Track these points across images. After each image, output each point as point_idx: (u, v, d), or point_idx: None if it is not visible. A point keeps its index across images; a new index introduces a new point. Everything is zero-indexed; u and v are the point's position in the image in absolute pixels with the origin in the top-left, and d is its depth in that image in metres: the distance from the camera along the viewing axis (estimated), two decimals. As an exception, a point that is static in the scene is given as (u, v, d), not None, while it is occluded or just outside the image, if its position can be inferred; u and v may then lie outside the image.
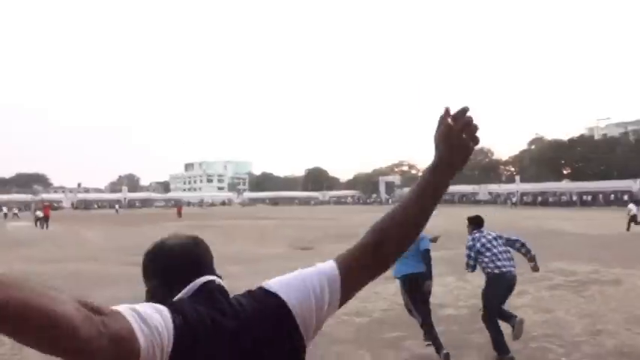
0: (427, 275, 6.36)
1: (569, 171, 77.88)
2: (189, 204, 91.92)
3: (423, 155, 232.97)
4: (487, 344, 6.41)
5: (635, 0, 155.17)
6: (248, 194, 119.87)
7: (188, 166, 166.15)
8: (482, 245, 6.17)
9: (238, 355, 1.30)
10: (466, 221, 6.68)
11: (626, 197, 57.25)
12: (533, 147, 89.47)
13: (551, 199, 67.04)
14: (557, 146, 77.85)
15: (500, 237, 6.37)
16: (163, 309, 1.19)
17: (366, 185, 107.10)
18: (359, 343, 6.71)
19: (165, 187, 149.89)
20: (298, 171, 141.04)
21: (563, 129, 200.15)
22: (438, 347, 5.94)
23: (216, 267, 1.49)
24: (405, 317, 8.18)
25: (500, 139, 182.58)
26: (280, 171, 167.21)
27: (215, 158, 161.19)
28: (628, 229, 23.57)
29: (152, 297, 1.38)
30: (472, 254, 6.20)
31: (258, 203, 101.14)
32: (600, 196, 61.55)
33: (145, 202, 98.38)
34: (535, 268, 6.42)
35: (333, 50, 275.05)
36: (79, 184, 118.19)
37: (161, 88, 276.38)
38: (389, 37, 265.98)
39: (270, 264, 14.62)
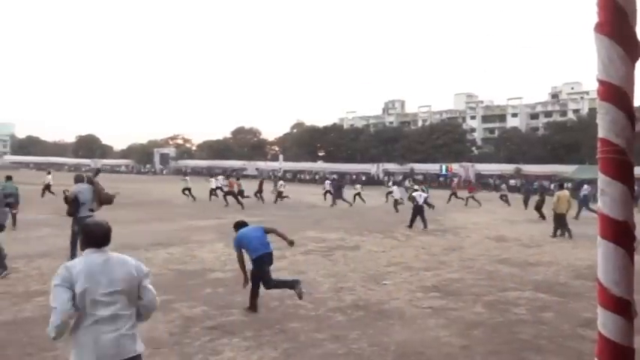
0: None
1: (324, 153, 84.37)
2: None
3: (196, 130, 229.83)
4: (247, 303, 6.57)
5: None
6: (10, 157, 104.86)
7: None
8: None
9: None
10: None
11: (364, 178, 64.89)
12: (295, 131, 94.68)
13: (307, 177, 71.90)
14: (314, 132, 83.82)
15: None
16: None
17: (141, 155, 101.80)
18: (128, 308, 6.32)
19: None
20: (69, 137, 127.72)
21: (321, 117, 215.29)
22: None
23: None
24: (174, 281, 8.00)
25: (268, 121, 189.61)
26: (49, 136, 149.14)
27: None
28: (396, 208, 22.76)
29: None
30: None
31: (22, 168, 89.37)
32: (347, 176, 67.93)
33: None
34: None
35: (110, 17, 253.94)
36: None
37: None
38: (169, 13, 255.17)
39: (33, 231, 13.00)
